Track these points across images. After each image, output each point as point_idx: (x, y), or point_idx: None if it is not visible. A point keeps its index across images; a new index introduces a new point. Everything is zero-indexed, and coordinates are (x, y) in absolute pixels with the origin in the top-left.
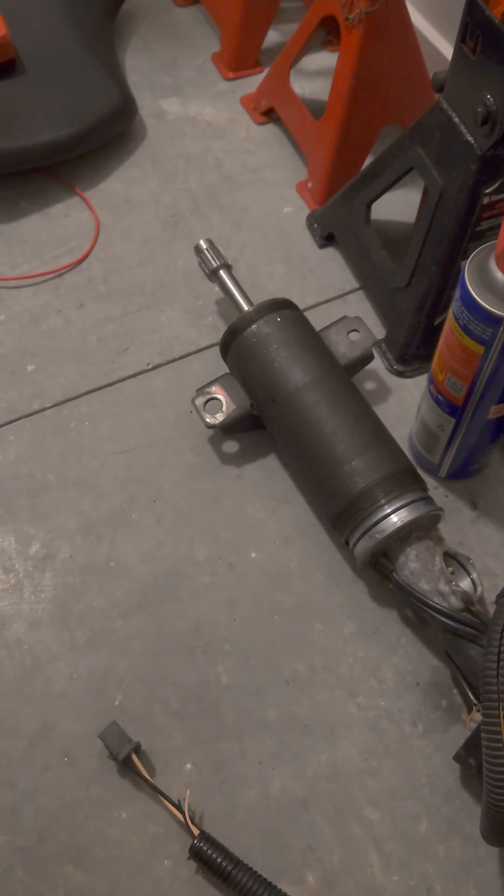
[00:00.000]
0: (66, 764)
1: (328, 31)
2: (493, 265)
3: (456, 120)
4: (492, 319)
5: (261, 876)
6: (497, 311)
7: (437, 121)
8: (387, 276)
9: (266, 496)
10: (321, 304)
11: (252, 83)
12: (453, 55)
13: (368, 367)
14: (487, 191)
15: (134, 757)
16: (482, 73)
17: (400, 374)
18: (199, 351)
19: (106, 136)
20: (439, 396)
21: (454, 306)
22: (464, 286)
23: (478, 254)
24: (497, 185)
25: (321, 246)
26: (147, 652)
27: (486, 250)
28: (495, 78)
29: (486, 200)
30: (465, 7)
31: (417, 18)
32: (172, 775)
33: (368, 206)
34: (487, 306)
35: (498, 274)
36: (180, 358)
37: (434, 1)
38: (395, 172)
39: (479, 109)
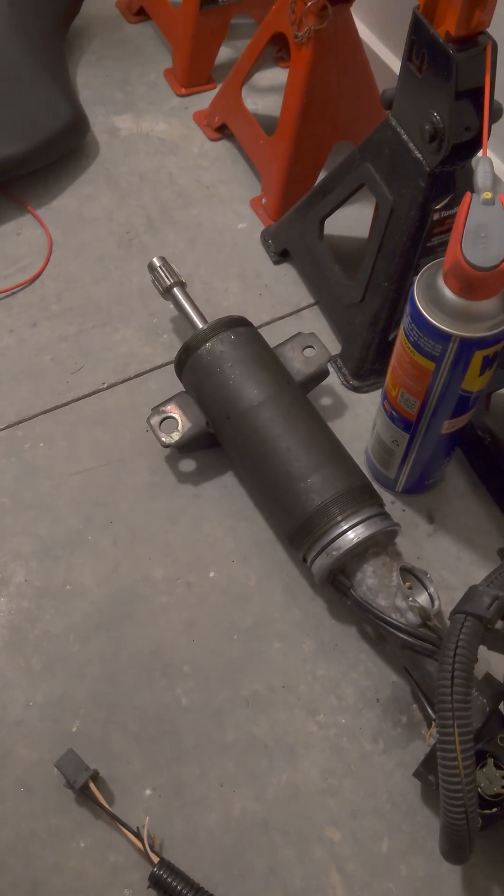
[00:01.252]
0: (23, 794)
1: (279, 48)
2: (441, 282)
3: (404, 137)
4: (441, 336)
5: None
6: (446, 328)
7: (387, 137)
8: (341, 291)
9: (224, 514)
10: (277, 320)
11: (205, 99)
12: (400, 73)
13: (324, 382)
14: (437, 207)
15: (91, 785)
16: (428, 91)
17: (356, 390)
18: (154, 369)
19: (58, 152)
20: (393, 412)
21: (404, 323)
22: (413, 303)
23: (426, 271)
24: (446, 200)
25: (276, 262)
26: (105, 676)
27: (435, 267)
28: (441, 96)
29: (436, 216)
30: (410, 26)
31: (367, 35)
32: (131, 801)
33: (321, 222)
34: (436, 323)
35: (446, 291)
36: (136, 376)
37: (383, 18)
38: (346, 189)
39: (427, 127)
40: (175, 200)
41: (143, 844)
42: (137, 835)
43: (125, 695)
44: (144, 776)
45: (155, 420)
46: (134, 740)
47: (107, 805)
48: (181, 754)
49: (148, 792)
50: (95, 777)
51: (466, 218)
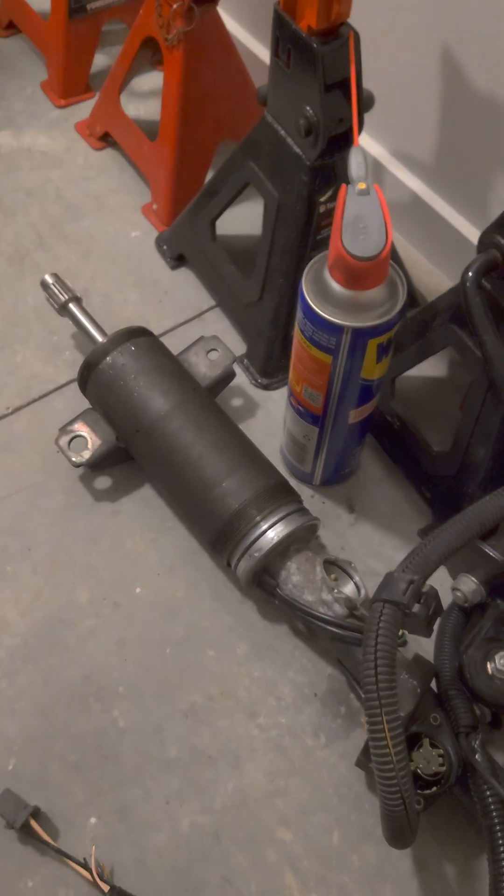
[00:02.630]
0: None
1: (154, 52)
2: (327, 276)
3: (282, 133)
4: (334, 328)
5: None
6: (337, 321)
7: (265, 135)
8: (239, 291)
9: (145, 528)
10: (180, 325)
11: (85, 109)
12: (270, 69)
13: (234, 383)
14: (322, 199)
15: (33, 822)
16: (298, 85)
17: (265, 388)
18: (59, 388)
19: None
20: (300, 408)
21: (298, 319)
22: (303, 298)
23: (312, 266)
24: (330, 192)
25: (173, 267)
26: (37, 709)
27: (320, 262)
28: (311, 90)
29: (322, 209)
30: (273, 22)
31: (240, 32)
32: (77, 833)
33: (212, 224)
34: (327, 316)
35: (333, 284)
36: (41, 397)
37: (253, 14)
38: (232, 189)
39: (301, 122)
40: (64, 214)
41: (92, 875)
42: (85, 866)
43: (60, 725)
44: (88, 805)
45: (63, 440)
46: (73, 770)
47: (51, 840)
48: (123, 778)
49: (93, 820)
50: (36, 814)
51: (344, 210)
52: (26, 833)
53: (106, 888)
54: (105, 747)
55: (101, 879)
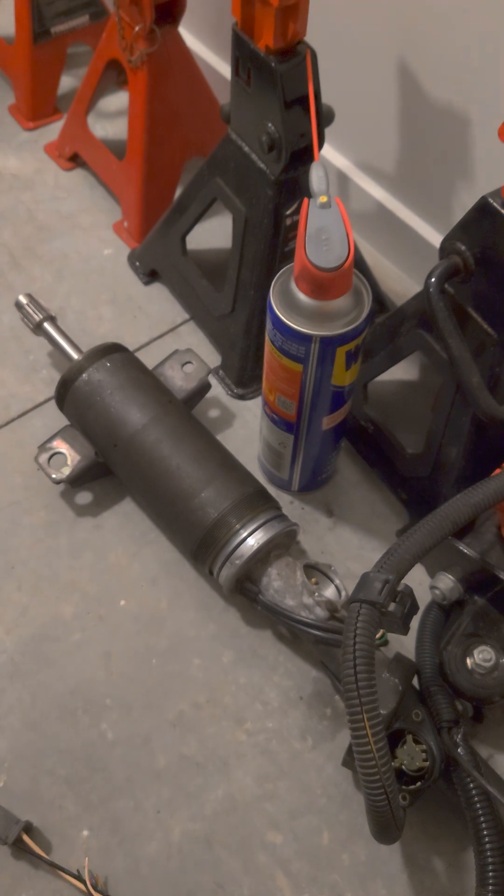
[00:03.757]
0: None
1: (119, 73)
2: (294, 287)
3: (246, 149)
4: (302, 338)
5: None
6: (305, 330)
7: (230, 152)
8: (211, 304)
9: (127, 541)
10: (155, 339)
11: (54, 130)
12: (231, 87)
13: (210, 394)
14: (288, 212)
15: (25, 837)
16: (260, 102)
17: (241, 398)
18: (37, 406)
19: None
20: (274, 416)
21: (268, 329)
22: (271, 309)
23: (279, 278)
24: (296, 206)
25: (146, 283)
26: (26, 725)
27: (286, 273)
28: (272, 107)
29: (288, 222)
30: (232, 42)
31: (203, 51)
32: (70, 846)
33: (183, 239)
34: (295, 326)
35: (300, 294)
36: (19, 416)
37: (215, 33)
38: (200, 204)
39: (264, 138)
40: (37, 235)
41: (86, 886)
42: (79, 877)
43: (49, 740)
44: (80, 818)
45: (43, 458)
46: (64, 784)
47: (44, 854)
48: (114, 790)
49: (85, 833)
50: (29, 828)
51: (307, 223)
52: (19, 848)
53: None
54: (95, 760)
55: (96, 890)
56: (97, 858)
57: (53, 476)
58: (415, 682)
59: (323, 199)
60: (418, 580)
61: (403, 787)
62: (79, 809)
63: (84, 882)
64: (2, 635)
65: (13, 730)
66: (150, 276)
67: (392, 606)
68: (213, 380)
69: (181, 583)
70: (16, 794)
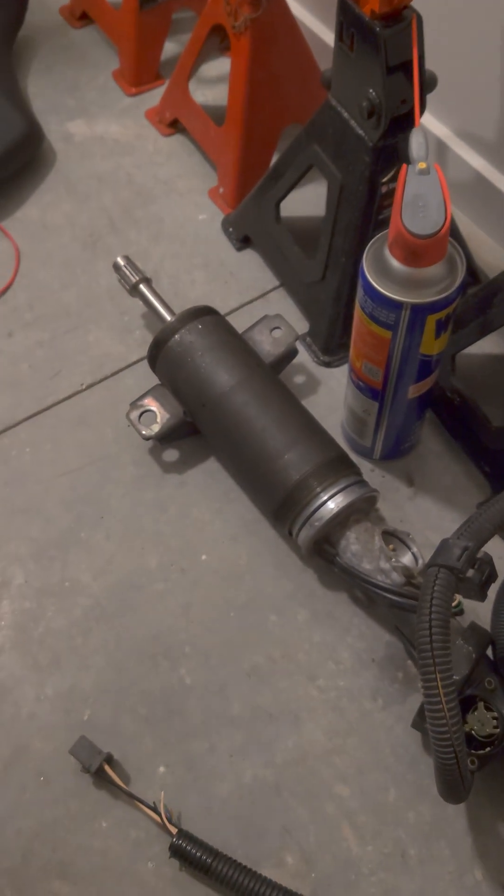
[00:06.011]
0: (42, 783)
1: (222, 38)
2: (387, 253)
3: (345, 115)
4: (393, 305)
5: (241, 864)
6: (396, 297)
7: (329, 118)
8: (302, 271)
9: (210, 499)
10: (245, 305)
11: (155, 96)
12: (334, 53)
13: (296, 361)
14: (384, 180)
15: (106, 767)
16: (362, 68)
17: (327, 365)
18: (129, 366)
19: (15, 165)
20: (360, 383)
21: (358, 296)
22: (364, 276)
23: (373, 244)
24: (392, 173)
25: (238, 249)
26: (110, 665)
27: (381, 240)
28: (374, 72)
29: (384, 189)
30: (337, 7)
31: (306, 17)
32: (147, 780)
33: (277, 206)
34: (387, 293)
35: (393, 261)
36: (112, 375)
37: (320, 0)
38: (296, 171)
39: (364, 104)
40: (135, 199)
41: (161, 818)
42: (155, 809)
43: (131, 681)
44: (157, 755)
45: (134, 414)
46: (143, 722)
47: (123, 785)
48: (190, 731)
49: (162, 769)
50: (110, 760)
51: (404, 189)
52: (100, 777)
53: (174, 831)
54: (173, 702)
55: (170, 823)
56: (172, 793)
57: (143, 432)
58: (489, 653)
59: (422, 165)
60: (498, 554)
61: (473, 751)
62: (156, 747)
63: (159, 814)
64: (90, 581)
65: (98, 668)
66: (243, 241)
67: (470, 573)
68: (300, 347)
69: (260, 542)
70: (99, 727)
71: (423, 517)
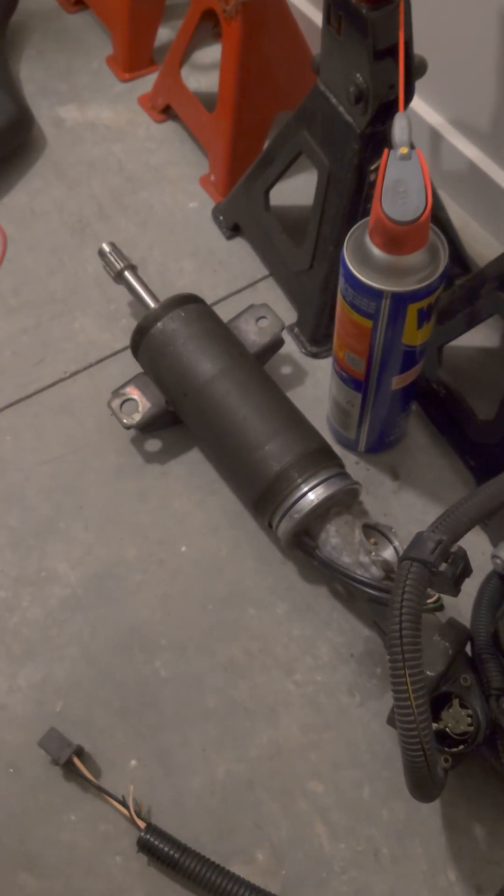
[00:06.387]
0: (12, 775)
1: (215, 24)
2: (368, 241)
3: (334, 101)
4: (373, 293)
5: (209, 860)
6: (376, 285)
7: (318, 104)
8: (290, 260)
9: (192, 490)
10: (233, 294)
11: (148, 82)
12: (322, 37)
13: (284, 351)
14: (372, 167)
15: (76, 760)
16: (349, 52)
17: (314, 356)
18: (114, 354)
19: (4, 149)
20: (343, 373)
21: (340, 284)
22: (344, 264)
23: (354, 231)
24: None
25: (228, 237)
26: (84, 656)
27: (361, 228)
28: (361, 57)
29: (372, 177)
30: None
31: (301, 1)
32: (118, 773)
33: (266, 193)
34: (367, 281)
35: (374, 249)
36: (97, 363)
37: None
38: (285, 158)
39: (352, 89)
40: (125, 186)
41: (130, 812)
42: (124, 803)
43: (105, 672)
44: (129, 748)
45: (115, 403)
46: (116, 715)
47: (92, 778)
48: (163, 724)
49: (133, 763)
50: (80, 752)
51: (385, 174)
52: (70, 770)
53: (143, 825)
54: (147, 695)
55: (139, 817)
56: (143, 788)
57: (125, 421)
58: (468, 650)
59: (403, 150)
60: (481, 549)
61: (446, 749)
62: (129, 740)
63: (128, 808)
64: (67, 570)
65: (72, 659)
66: (233, 230)
67: (443, 567)
68: (287, 337)
69: (241, 534)
70: (71, 719)
71: (407, 511)
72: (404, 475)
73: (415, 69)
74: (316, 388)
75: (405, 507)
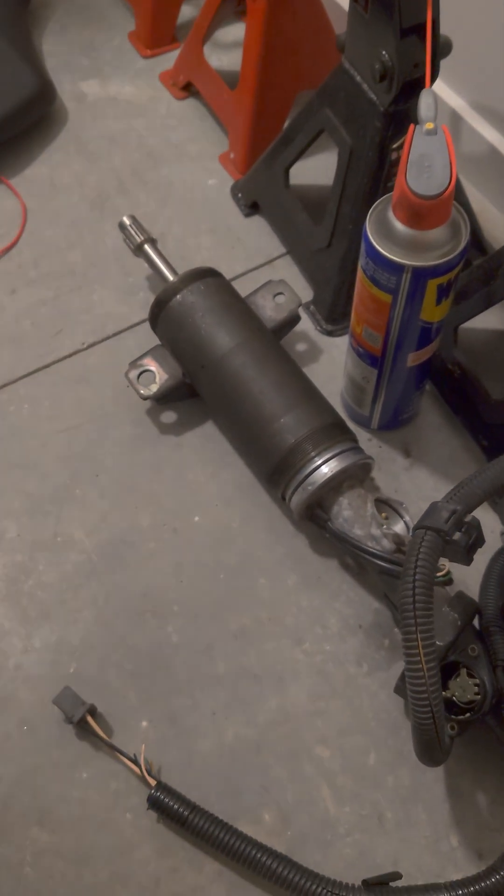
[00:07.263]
0: (26, 732)
1: (238, 2)
2: (391, 215)
3: (358, 79)
4: (394, 267)
5: (217, 818)
6: (399, 260)
7: (342, 81)
8: (309, 238)
9: (206, 461)
10: (250, 271)
11: (170, 59)
12: (349, 15)
13: (299, 328)
14: (394, 146)
15: (89, 718)
16: (375, 30)
17: (329, 334)
18: (132, 327)
19: (26, 122)
20: (359, 349)
21: (361, 258)
22: (366, 238)
23: (377, 206)
24: (403, 140)
25: (247, 215)
26: (98, 620)
27: (385, 202)
28: (387, 34)
29: (394, 156)
30: None
31: None
32: (129, 733)
33: (286, 171)
34: (389, 255)
35: (396, 223)
36: (114, 335)
37: None
38: (307, 136)
39: (377, 67)
40: (145, 161)
41: (141, 770)
42: (135, 761)
43: (118, 636)
44: (140, 709)
45: (133, 374)
46: (129, 677)
47: (105, 736)
48: (174, 687)
49: (144, 723)
50: (93, 711)
51: (410, 149)
52: (83, 728)
53: (153, 783)
54: (159, 659)
55: (150, 775)
56: (153, 747)
57: (141, 392)
58: (476, 623)
59: (429, 125)
60: (490, 528)
61: (453, 717)
62: (140, 701)
63: (139, 766)
64: (82, 536)
65: (86, 622)
66: (252, 207)
67: (457, 536)
68: (303, 314)
69: (254, 506)
70: (84, 680)
71: (418, 488)
72: (416, 453)
73: (440, 48)
74: (330, 366)
75: (416, 484)
